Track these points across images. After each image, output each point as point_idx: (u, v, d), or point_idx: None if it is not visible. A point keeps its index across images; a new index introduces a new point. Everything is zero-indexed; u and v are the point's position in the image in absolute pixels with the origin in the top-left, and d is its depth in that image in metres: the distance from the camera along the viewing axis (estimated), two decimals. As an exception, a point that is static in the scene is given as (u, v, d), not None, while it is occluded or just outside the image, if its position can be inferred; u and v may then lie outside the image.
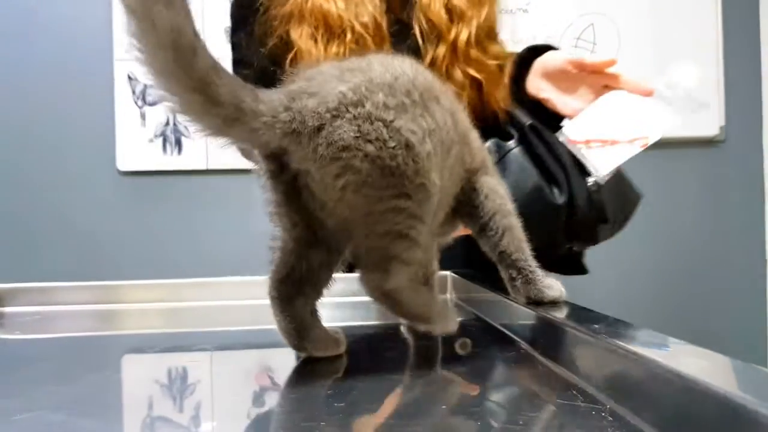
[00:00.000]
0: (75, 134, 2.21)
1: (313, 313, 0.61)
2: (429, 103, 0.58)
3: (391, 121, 0.53)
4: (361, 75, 0.55)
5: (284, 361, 0.67)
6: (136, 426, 0.46)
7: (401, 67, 0.58)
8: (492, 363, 0.63)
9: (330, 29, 1.04)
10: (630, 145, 0.98)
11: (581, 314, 0.64)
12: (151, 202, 2.24)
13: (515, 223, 0.73)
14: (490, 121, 1.09)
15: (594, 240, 1.08)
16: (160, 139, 2.23)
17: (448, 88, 0.66)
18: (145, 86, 2.21)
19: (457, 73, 1.07)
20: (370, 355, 0.68)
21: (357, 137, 0.52)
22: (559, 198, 1.01)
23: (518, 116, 1.08)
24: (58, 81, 2.20)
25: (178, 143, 2.23)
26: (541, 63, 1.08)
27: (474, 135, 0.74)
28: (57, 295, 1.01)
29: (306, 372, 0.60)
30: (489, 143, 1.03)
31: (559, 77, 1.07)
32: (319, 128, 0.52)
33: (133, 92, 2.21)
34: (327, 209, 0.56)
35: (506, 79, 1.11)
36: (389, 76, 0.56)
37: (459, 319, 0.65)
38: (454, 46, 1.08)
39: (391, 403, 0.50)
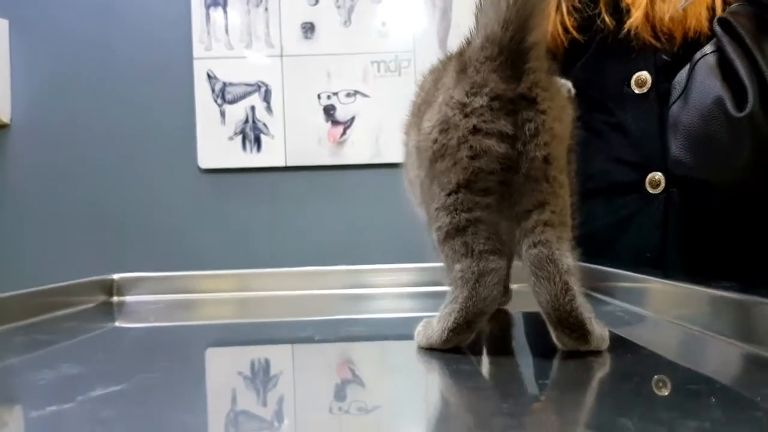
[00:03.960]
0: (158, 133, 2.28)
1: None
2: None
3: None
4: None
5: (365, 354, 0.66)
6: (221, 418, 0.46)
7: None
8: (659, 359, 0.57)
9: None
10: None
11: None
12: (231, 199, 2.29)
13: None
14: (689, 38, 0.91)
15: None
16: (240, 137, 2.27)
17: None
18: (224, 84, 2.25)
19: None
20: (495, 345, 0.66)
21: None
22: (741, 109, 0.75)
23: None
24: (140, 82, 2.28)
25: (257, 141, 2.27)
26: None
27: None
28: (173, 283, 1.06)
29: (387, 366, 0.58)
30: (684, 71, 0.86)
31: None
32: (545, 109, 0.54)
33: (213, 91, 2.26)
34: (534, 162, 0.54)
35: None
36: None
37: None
38: None
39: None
